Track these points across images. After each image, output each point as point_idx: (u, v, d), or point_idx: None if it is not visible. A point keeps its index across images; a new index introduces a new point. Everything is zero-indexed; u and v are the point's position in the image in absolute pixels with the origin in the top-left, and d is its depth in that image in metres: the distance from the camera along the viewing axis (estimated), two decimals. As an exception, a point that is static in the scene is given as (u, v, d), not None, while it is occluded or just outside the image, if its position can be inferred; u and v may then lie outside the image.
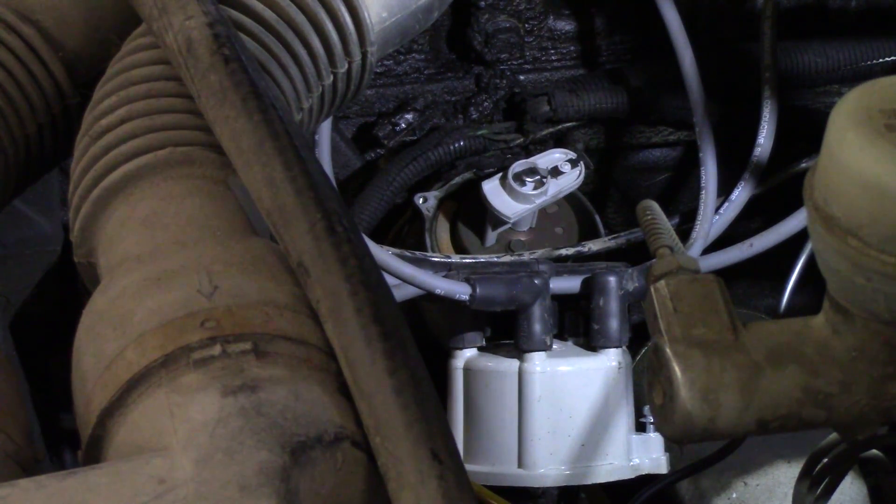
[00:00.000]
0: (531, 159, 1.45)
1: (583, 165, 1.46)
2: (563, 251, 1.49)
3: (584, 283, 1.42)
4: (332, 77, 0.96)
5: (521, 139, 1.55)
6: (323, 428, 0.66)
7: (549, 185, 1.44)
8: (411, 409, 0.64)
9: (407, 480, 0.62)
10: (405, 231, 1.56)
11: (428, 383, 0.66)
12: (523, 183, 1.43)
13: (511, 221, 1.46)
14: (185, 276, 0.72)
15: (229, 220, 0.79)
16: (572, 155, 1.46)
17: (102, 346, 0.71)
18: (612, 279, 1.41)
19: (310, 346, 0.70)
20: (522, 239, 1.50)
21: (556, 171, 1.45)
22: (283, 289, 0.72)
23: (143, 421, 0.68)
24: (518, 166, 1.44)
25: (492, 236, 1.49)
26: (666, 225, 0.96)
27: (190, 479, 0.63)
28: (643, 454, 1.41)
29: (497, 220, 1.46)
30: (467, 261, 1.45)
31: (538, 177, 1.43)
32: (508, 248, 1.49)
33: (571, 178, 1.45)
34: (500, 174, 1.45)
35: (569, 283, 1.42)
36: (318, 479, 0.65)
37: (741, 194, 1.47)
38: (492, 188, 1.44)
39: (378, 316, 0.66)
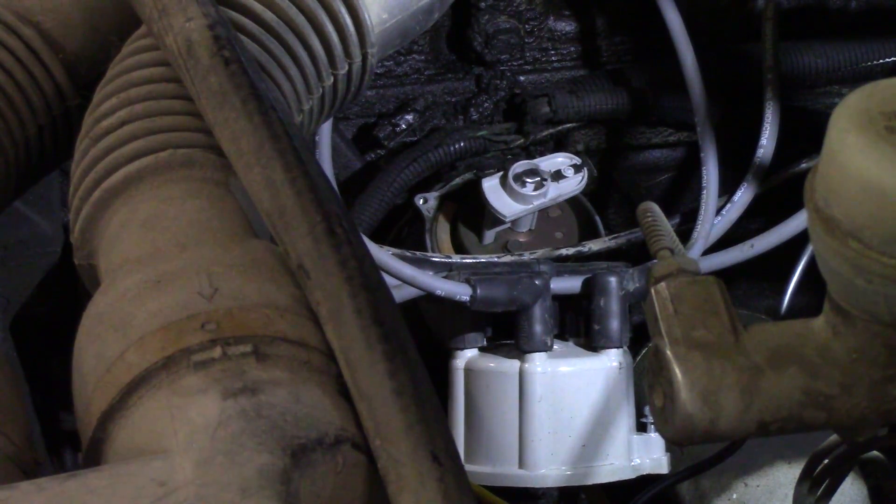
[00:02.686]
0: (534, 161, 1.45)
1: (586, 171, 1.46)
2: (564, 251, 1.49)
3: (585, 284, 1.42)
4: (332, 78, 0.96)
5: (522, 140, 1.55)
6: (323, 430, 0.66)
7: (550, 188, 1.44)
8: (411, 412, 0.64)
9: (407, 482, 0.62)
10: (405, 232, 1.56)
11: (428, 385, 0.66)
12: (523, 184, 1.43)
13: (507, 221, 1.46)
14: (185, 278, 0.72)
15: (230, 223, 0.79)
16: (576, 160, 1.46)
17: (103, 348, 0.71)
18: (612, 279, 1.41)
19: (310, 348, 0.70)
20: (521, 240, 1.50)
21: (558, 175, 1.45)
22: (283, 291, 0.72)
23: (143, 423, 0.68)
24: (520, 167, 1.44)
25: (489, 235, 1.49)
26: (666, 226, 0.96)
27: (190, 482, 0.63)
28: (644, 454, 1.41)
29: (494, 219, 1.46)
30: (468, 261, 1.45)
31: (539, 178, 1.43)
32: (505, 249, 1.49)
33: (573, 184, 1.45)
34: (500, 173, 1.45)
35: (569, 284, 1.42)
36: (318, 481, 0.65)
37: (744, 195, 1.47)
38: (491, 186, 1.44)
39: (378, 318, 0.66)
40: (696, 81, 1.46)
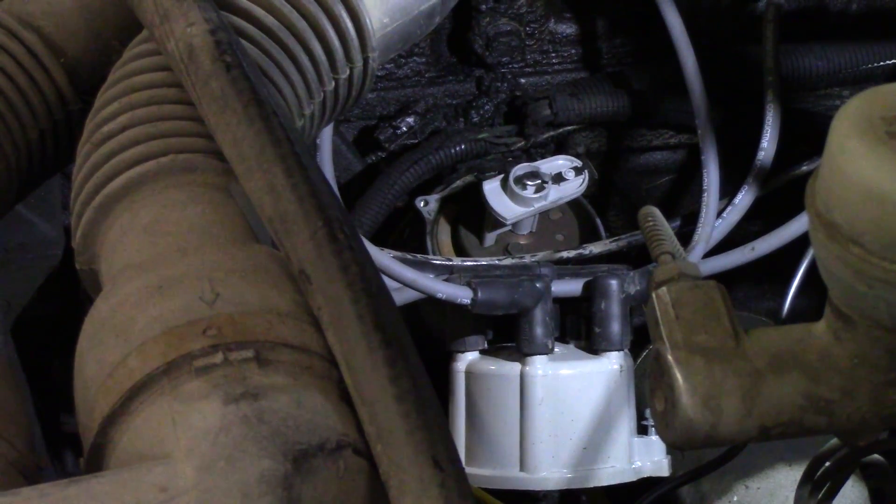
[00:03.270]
0: (535, 163, 1.45)
1: (587, 174, 1.46)
2: (564, 254, 1.49)
3: (586, 287, 1.42)
4: (333, 83, 0.96)
5: (522, 142, 1.55)
6: (325, 436, 0.66)
7: (551, 191, 1.44)
8: (412, 417, 0.64)
9: (408, 488, 0.62)
10: (406, 234, 1.56)
11: (429, 390, 0.66)
12: (524, 186, 1.43)
13: (508, 223, 1.46)
14: (186, 283, 0.72)
15: (231, 228, 0.79)
16: (577, 163, 1.46)
17: (104, 353, 0.71)
18: (613, 282, 1.41)
19: (312, 353, 0.70)
20: (522, 242, 1.51)
21: (559, 178, 1.45)
22: (284, 296, 0.72)
23: (145, 429, 0.68)
24: (520, 169, 1.44)
25: (490, 237, 1.49)
26: (667, 231, 0.96)
27: (192, 487, 0.63)
28: (645, 457, 1.41)
29: (495, 221, 1.46)
30: (469, 264, 1.45)
31: (539, 181, 1.43)
32: (506, 251, 1.49)
33: (574, 186, 1.45)
34: (501, 175, 1.45)
35: (570, 287, 1.42)
36: (320, 487, 0.65)
37: (745, 198, 1.47)
38: (492, 189, 1.44)
39: (379, 323, 0.66)
40: (696, 84, 1.46)
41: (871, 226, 0.74)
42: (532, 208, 1.44)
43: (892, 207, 0.73)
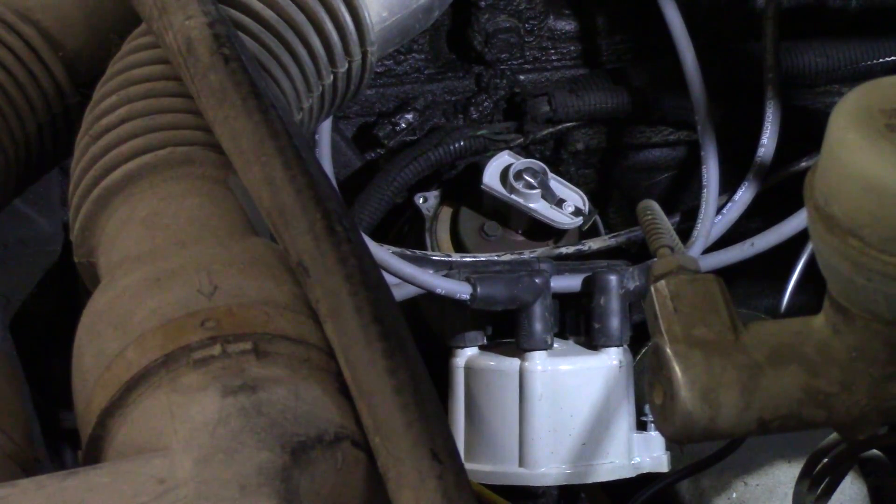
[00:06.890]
0: (551, 174, 1.45)
1: (581, 221, 1.46)
2: (564, 249, 1.49)
3: (585, 282, 1.42)
4: (332, 77, 0.96)
5: (522, 139, 1.55)
6: (323, 428, 0.66)
7: (538, 202, 1.44)
8: (411, 409, 0.64)
9: (406, 480, 0.62)
10: (405, 231, 1.56)
11: (427, 383, 0.66)
12: (518, 177, 1.44)
13: (483, 185, 1.45)
14: (185, 275, 0.72)
15: (229, 220, 0.79)
16: (584, 208, 1.46)
17: (103, 345, 0.71)
18: (612, 278, 1.41)
19: (310, 345, 0.70)
20: (521, 239, 1.51)
21: (560, 202, 1.45)
22: (282, 288, 0.72)
23: (143, 421, 0.68)
24: (525, 164, 1.44)
25: (488, 225, 1.50)
26: (666, 225, 0.96)
27: (190, 479, 0.63)
28: (644, 453, 1.41)
29: (485, 194, 1.46)
30: (468, 259, 1.45)
31: (533, 183, 1.44)
32: (505, 247, 1.49)
33: (561, 218, 1.45)
34: (519, 159, 1.45)
35: (570, 282, 1.42)
36: (318, 478, 0.65)
37: (745, 194, 1.47)
38: (499, 163, 1.45)
39: (378, 316, 0.66)
40: (696, 80, 1.46)
41: (869, 218, 0.74)
42: (506, 198, 1.44)
43: (890, 200, 0.73)
